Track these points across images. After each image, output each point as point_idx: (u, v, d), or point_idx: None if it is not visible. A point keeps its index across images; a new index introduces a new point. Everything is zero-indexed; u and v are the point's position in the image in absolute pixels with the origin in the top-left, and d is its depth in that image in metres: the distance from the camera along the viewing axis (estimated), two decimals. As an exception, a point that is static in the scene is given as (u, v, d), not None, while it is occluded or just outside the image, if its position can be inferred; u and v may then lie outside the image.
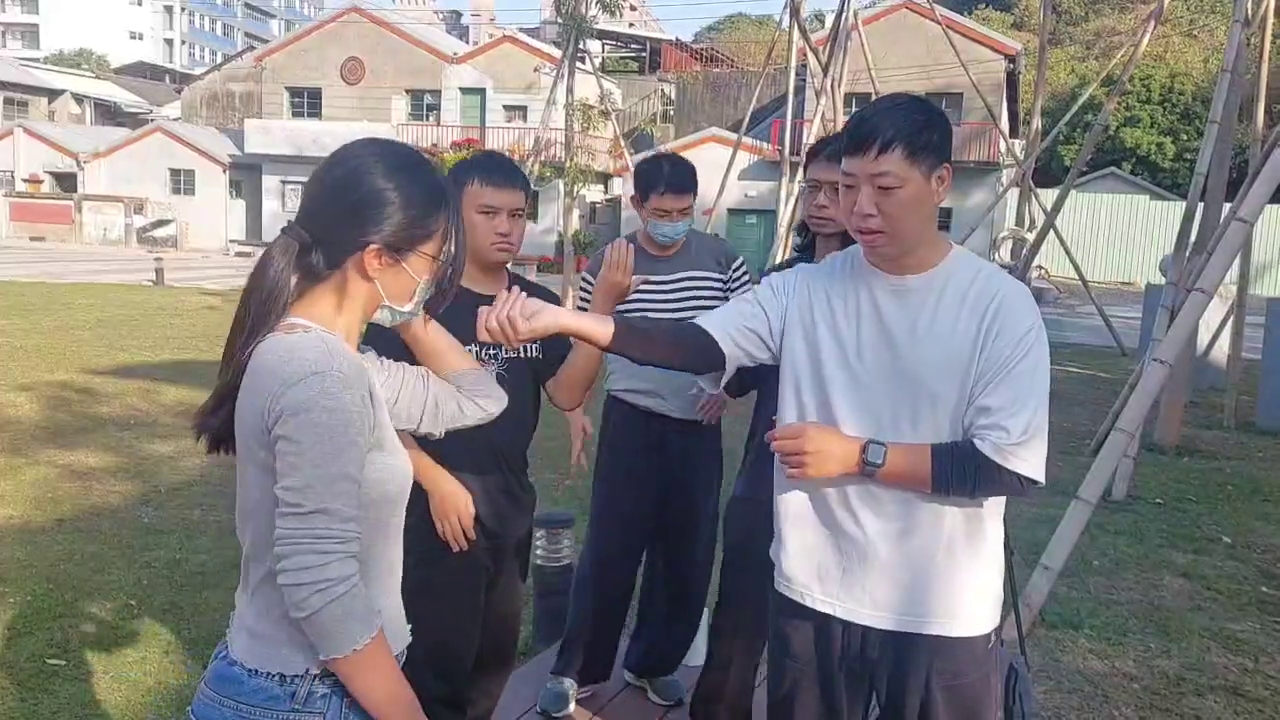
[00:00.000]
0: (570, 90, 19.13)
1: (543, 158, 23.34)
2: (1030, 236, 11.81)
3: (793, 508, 2.00)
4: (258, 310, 1.48)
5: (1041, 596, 4.46)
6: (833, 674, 1.99)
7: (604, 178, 32.08)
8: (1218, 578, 5.25)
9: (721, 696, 2.92)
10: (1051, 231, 14.15)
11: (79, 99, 46.43)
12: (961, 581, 1.90)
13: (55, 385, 9.12)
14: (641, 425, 3.17)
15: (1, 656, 3.79)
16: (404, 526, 2.25)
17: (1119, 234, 31.76)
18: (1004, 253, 17.35)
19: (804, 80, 20.23)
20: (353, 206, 1.50)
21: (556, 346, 2.55)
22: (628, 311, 3.14)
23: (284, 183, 33.69)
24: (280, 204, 33.74)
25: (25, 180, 36.61)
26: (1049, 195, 21.17)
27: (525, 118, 31.94)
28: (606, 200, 32.83)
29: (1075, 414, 9.51)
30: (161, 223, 34.78)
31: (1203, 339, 10.70)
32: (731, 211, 28.14)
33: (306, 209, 1.53)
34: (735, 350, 1.96)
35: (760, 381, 2.54)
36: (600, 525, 3.31)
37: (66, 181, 36.88)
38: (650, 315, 3.13)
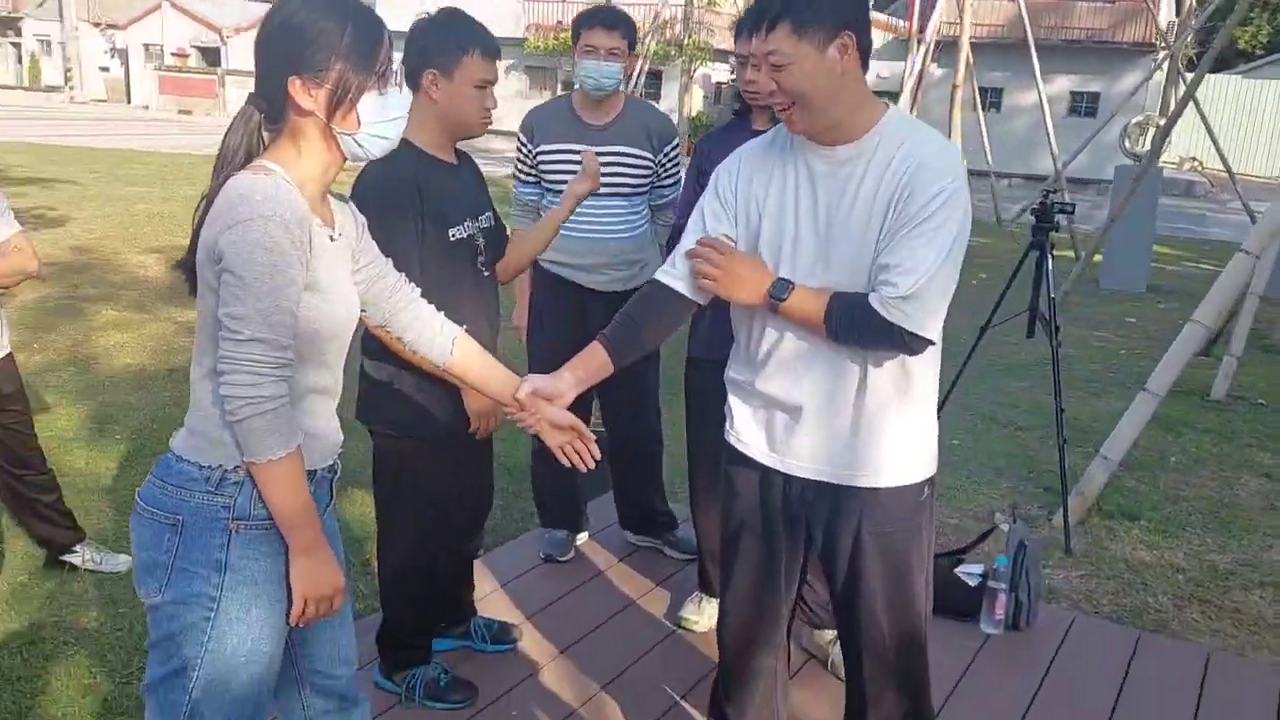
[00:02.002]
0: (693, -37, 18.60)
1: (667, 36, 22.92)
2: (1163, 123, 11.07)
3: (739, 370, 2.11)
4: (217, 168, 1.65)
5: (1097, 487, 4.41)
6: (773, 519, 2.11)
7: (728, 56, 31.30)
8: (1302, 480, 5.06)
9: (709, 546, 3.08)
10: (1200, 120, 13.23)
11: (224, -27, 47.49)
12: (890, 436, 1.97)
13: (183, 250, 9.65)
14: (566, 295, 3.22)
15: (108, 486, 4.21)
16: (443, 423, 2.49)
17: (1287, 125, 29.36)
18: (1135, 140, 16.23)
19: (941, -48, 19.14)
20: (272, 53, 1.64)
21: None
22: (552, 177, 3.25)
23: (412, 59, 34.04)
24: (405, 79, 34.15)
25: (174, 54, 38.00)
26: (1215, 80, 19.57)
27: (653, -9, 31.22)
28: (732, 80, 32.09)
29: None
30: (300, 97, 35.74)
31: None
32: (862, 94, 27.19)
33: (255, 76, 1.67)
34: (704, 294, 2.06)
35: None
36: None
37: (211, 55, 38.13)
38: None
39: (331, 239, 1.71)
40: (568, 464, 2.01)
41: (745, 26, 2.70)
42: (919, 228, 1.80)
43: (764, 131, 2.77)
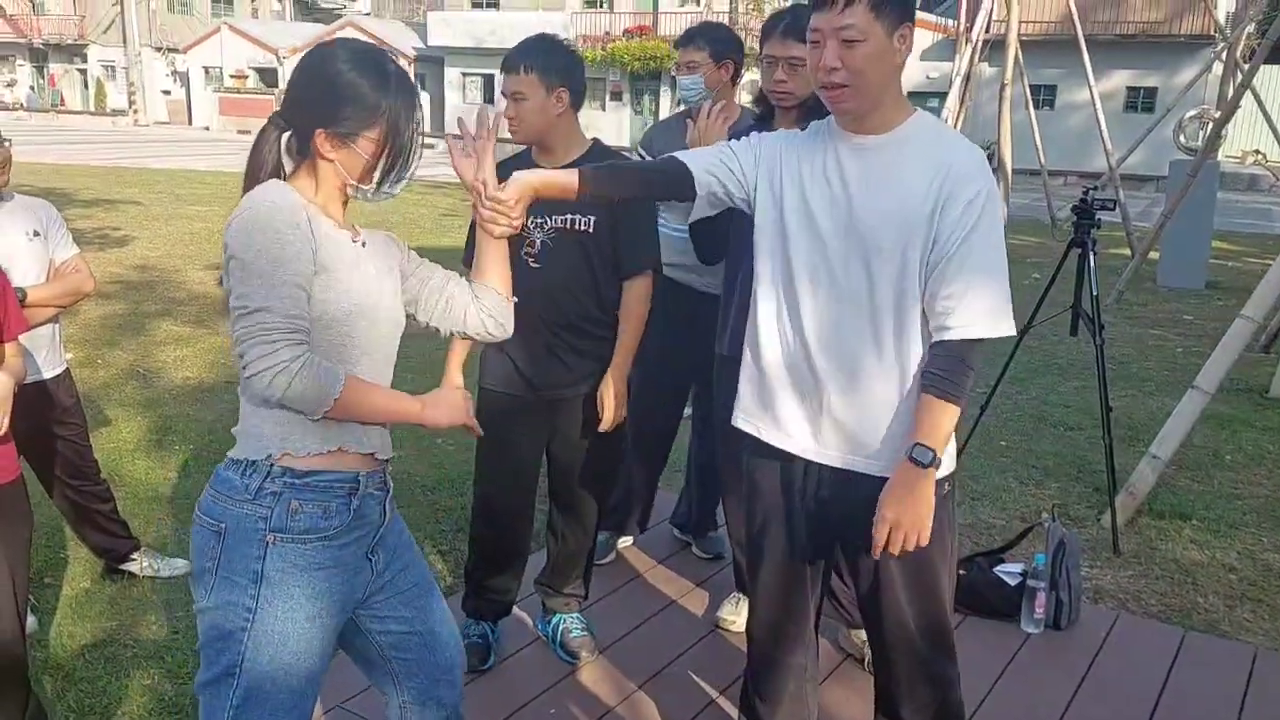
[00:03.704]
0: (739, -30, 18.64)
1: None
2: (1218, 115, 10.81)
3: (757, 358, 2.14)
4: (245, 180, 1.74)
5: (1147, 486, 4.34)
6: (795, 511, 2.14)
7: (778, 62, 31.24)
8: (1363, 478, 4.93)
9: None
10: (1261, 112, 12.94)
11: (280, -4, 48.51)
12: (909, 429, 1.98)
13: (241, 265, 9.92)
14: (674, 298, 3.25)
15: (167, 495, 4.36)
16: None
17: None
18: (1190, 135, 15.80)
19: (989, -49, 18.92)
20: (308, 97, 1.72)
21: (614, 222, 2.74)
22: None
23: (464, 75, 34.42)
24: (461, 96, 34.57)
25: (232, 76, 38.90)
26: (1276, 71, 19.02)
27: (699, 1, 31.33)
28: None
29: (1254, 308, 8.88)
30: (354, 116, 36.38)
31: None
32: (912, 94, 26.82)
33: (284, 100, 1.76)
34: (706, 177, 2.05)
35: (732, 241, 2.73)
36: (638, 395, 3.25)
37: (268, 76, 38.94)
38: None
39: (354, 241, 1.78)
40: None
41: (776, 28, 2.74)
42: (965, 244, 1.87)
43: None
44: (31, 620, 3.12)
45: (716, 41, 3.28)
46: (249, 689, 1.71)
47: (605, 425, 2.82)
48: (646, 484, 3.68)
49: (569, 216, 2.71)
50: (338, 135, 1.70)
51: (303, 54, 1.80)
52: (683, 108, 3.46)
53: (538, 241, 2.72)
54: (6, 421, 2.40)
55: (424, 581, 1.93)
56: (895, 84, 1.92)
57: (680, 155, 2.09)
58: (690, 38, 3.31)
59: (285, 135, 1.75)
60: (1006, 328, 1.93)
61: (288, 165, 1.76)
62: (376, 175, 1.75)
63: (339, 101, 1.69)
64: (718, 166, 2.07)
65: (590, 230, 2.73)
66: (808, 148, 2.04)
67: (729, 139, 2.75)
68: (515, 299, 2.01)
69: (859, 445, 2.02)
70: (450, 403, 1.79)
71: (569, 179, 1.97)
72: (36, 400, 3.12)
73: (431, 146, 32.52)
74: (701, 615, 3.30)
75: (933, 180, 1.89)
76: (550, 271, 2.72)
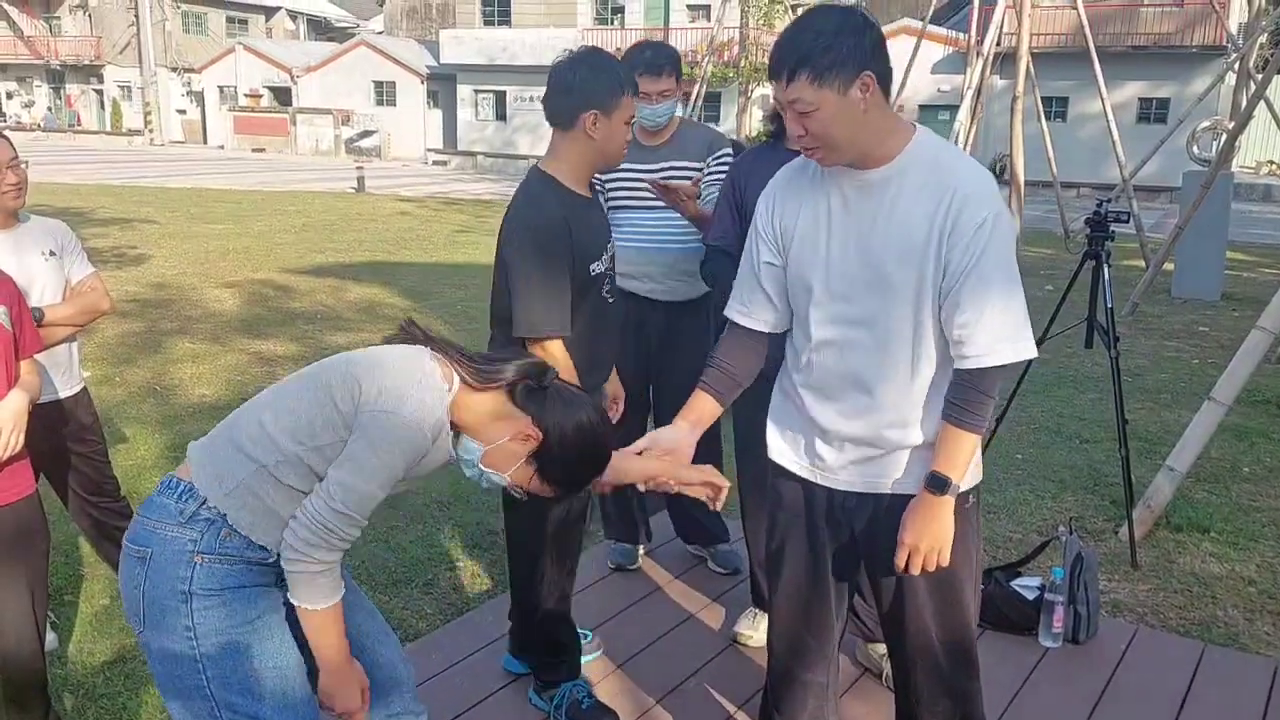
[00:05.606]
0: (748, -15, 18.71)
1: (725, 58, 23.00)
2: (1231, 126, 10.75)
3: (778, 391, 2.17)
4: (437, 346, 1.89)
5: (1164, 499, 4.32)
6: (817, 526, 2.14)
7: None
8: (1383, 489, 4.89)
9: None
10: (1275, 123, 12.86)
11: (293, 15, 48.91)
12: (931, 446, 1.98)
13: (256, 283, 10.01)
14: (626, 305, 3.19)
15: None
16: None
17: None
18: (1204, 146, 15.72)
19: (999, -36, 18.94)
20: None
21: None
22: (614, 195, 3.31)
23: (476, 92, 34.58)
24: (474, 113, 34.74)
25: (247, 95, 39.21)
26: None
27: (709, 17, 31.41)
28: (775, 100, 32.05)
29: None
30: (367, 133, 36.58)
31: None
32: (923, 107, 26.96)
33: None
34: (782, 319, 2.12)
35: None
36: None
37: (282, 95, 39.23)
38: (633, 200, 3.27)
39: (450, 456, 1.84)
40: (715, 508, 2.16)
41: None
42: (976, 270, 1.85)
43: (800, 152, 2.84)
44: (51, 637, 3.14)
45: (677, 63, 3.25)
46: (230, 704, 1.71)
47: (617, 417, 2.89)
48: (627, 495, 3.56)
49: (612, 239, 2.72)
50: None
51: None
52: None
53: (610, 272, 2.67)
54: (21, 438, 2.41)
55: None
56: (875, 124, 1.87)
57: (746, 321, 2.13)
58: (660, 68, 3.19)
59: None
60: (1026, 350, 1.90)
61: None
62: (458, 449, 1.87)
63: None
64: (776, 301, 2.10)
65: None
66: (808, 187, 2.03)
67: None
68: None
69: (877, 467, 2.03)
70: (358, 686, 1.81)
71: (714, 408, 2.14)
72: (56, 419, 3.14)
73: (444, 163, 32.76)
74: (718, 630, 3.29)
75: (937, 208, 1.86)
76: (619, 302, 2.73)
